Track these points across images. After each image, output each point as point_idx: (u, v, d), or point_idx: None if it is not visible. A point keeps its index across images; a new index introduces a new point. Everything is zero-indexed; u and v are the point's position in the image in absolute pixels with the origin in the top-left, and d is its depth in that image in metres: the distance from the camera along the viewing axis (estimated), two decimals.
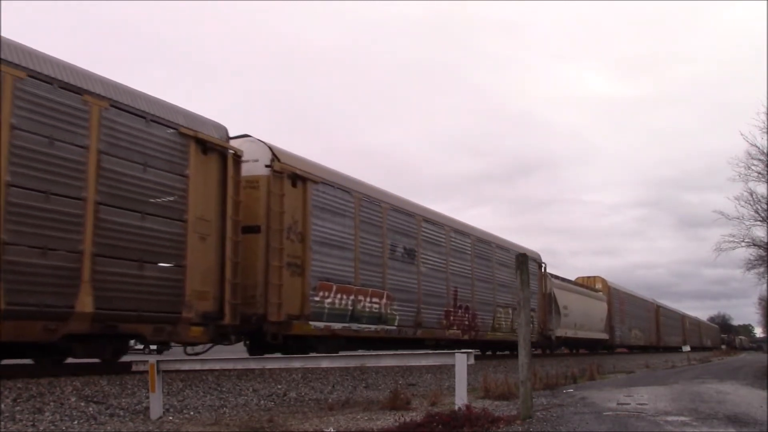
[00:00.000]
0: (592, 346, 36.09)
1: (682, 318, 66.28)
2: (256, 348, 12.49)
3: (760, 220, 28.76)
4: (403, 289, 15.71)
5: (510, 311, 22.11)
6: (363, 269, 14.09)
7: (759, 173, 27.27)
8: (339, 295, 13.19)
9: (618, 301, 40.05)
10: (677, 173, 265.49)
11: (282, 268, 11.62)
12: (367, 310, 14.09)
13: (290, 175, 12.15)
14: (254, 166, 11.83)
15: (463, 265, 19.22)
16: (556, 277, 29.29)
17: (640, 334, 45.40)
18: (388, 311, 14.93)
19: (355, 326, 13.59)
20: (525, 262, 7.27)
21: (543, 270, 26.21)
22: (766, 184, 27.58)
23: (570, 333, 29.25)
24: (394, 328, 15.14)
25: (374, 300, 14.42)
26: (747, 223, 29.20)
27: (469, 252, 19.74)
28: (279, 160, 11.95)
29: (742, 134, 28.39)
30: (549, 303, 26.51)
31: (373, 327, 14.27)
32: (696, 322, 77.24)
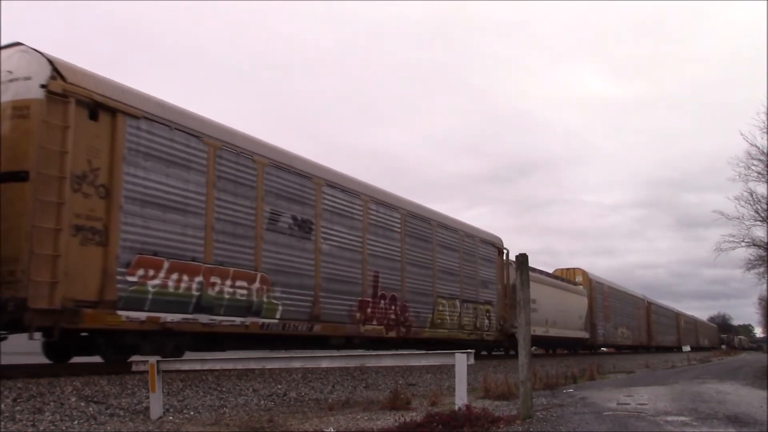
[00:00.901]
0: (570, 346, 32.58)
1: (677, 316, 63.04)
2: (58, 348, 9.54)
3: (760, 220, 28.80)
4: (291, 272, 12.07)
5: (457, 303, 18.57)
6: (221, 242, 10.56)
7: (759, 173, 27.34)
8: (176, 276, 9.81)
9: (601, 296, 36.22)
10: (675, 173, 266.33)
11: (61, 231, 8.25)
12: (227, 297, 10.60)
13: (86, 103, 8.77)
14: (25, 87, 8.42)
15: (388, 245, 15.35)
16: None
17: (627, 332, 41.63)
18: (265, 299, 11.37)
19: (204, 318, 10.25)
20: (525, 262, 7.27)
21: (504, 257, 22.45)
22: (766, 184, 27.63)
23: (540, 331, 25.55)
24: (275, 321, 11.62)
25: (240, 284, 10.89)
26: (747, 223, 29.25)
27: (398, 230, 15.83)
28: (64, 79, 8.54)
29: (742, 134, 28.47)
30: (512, 295, 22.48)
31: (238, 320, 10.84)
32: (692, 321, 73.93)
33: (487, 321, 20.71)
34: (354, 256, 14.11)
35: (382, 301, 15.04)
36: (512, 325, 21.94)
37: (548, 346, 31.15)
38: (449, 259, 18.57)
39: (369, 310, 14.41)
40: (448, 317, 18.14)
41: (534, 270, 26.53)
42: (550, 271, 32.73)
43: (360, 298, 14.14)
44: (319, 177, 13.22)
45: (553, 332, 27.59)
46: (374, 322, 14.55)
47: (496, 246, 22.03)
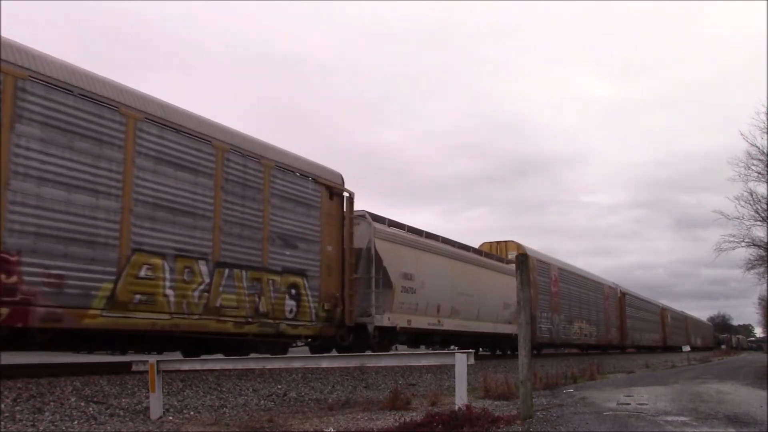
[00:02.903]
0: (490, 344, 23.46)
1: (662, 311, 54.47)
2: None
3: (760, 220, 28.81)
4: None
5: (203, 268, 10.56)
6: None
7: (759, 173, 27.36)
8: None
9: (547, 279, 27.66)
10: (673, 174, 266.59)
11: None
12: None
13: None
14: None
15: None
16: (394, 225, 16.73)
17: (589, 328, 33.13)
18: None
19: None
20: (525, 261, 7.25)
21: (345, 202, 14.28)
22: (766, 184, 27.64)
23: (422, 321, 16.95)
24: None
25: None
26: (747, 223, 29.23)
27: (26, 115, 8.19)
28: None
29: (742, 134, 28.39)
30: (366, 266, 14.89)
31: None
32: (681, 318, 65.54)
33: (292, 303, 12.44)
34: None
35: None
36: (365, 312, 14.56)
37: (449, 343, 21.20)
38: (181, 186, 10.27)
39: None
40: (169, 291, 9.98)
41: (413, 230, 17.72)
42: (476, 245, 24.14)
43: None
44: None
45: (451, 324, 18.64)
46: None
47: (320, 183, 13.49)
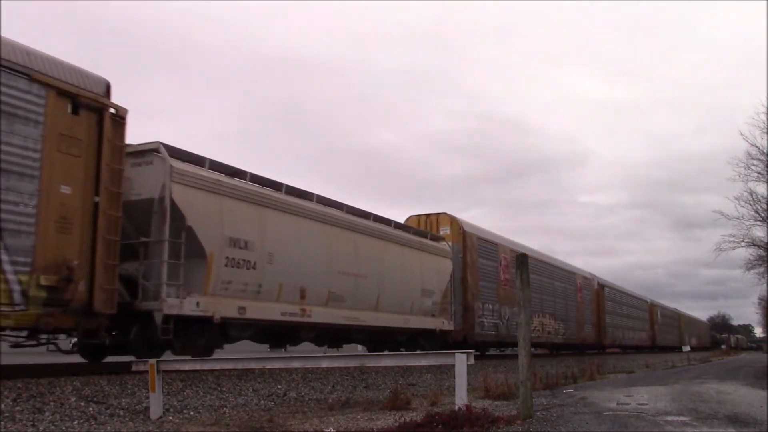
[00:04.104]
0: (408, 342, 17.32)
1: (651, 307, 49.39)
2: None
3: (760, 220, 28.81)
4: None
5: None
6: None
7: (759, 173, 27.35)
8: None
9: (493, 263, 22.59)
10: (672, 174, 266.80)
11: None
12: None
13: None
14: None
15: None
16: (227, 171, 11.90)
17: (555, 325, 28.08)
18: None
19: None
20: (525, 262, 7.25)
21: (106, 123, 9.13)
22: (766, 184, 27.65)
23: (266, 311, 12.03)
24: None
25: None
26: (747, 223, 29.22)
27: None
28: None
29: (741, 134, 28.35)
30: (159, 225, 10.26)
31: None
32: (674, 315, 60.96)
33: None
34: None
35: None
36: (143, 298, 10.11)
37: (335, 340, 16.14)
38: None
39: None
40: None
41: (245, 175, 12.28)
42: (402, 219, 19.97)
43: None
44: None
45: (328, 316, 13.75)
46: None
47: (48, 86, 8.43)
